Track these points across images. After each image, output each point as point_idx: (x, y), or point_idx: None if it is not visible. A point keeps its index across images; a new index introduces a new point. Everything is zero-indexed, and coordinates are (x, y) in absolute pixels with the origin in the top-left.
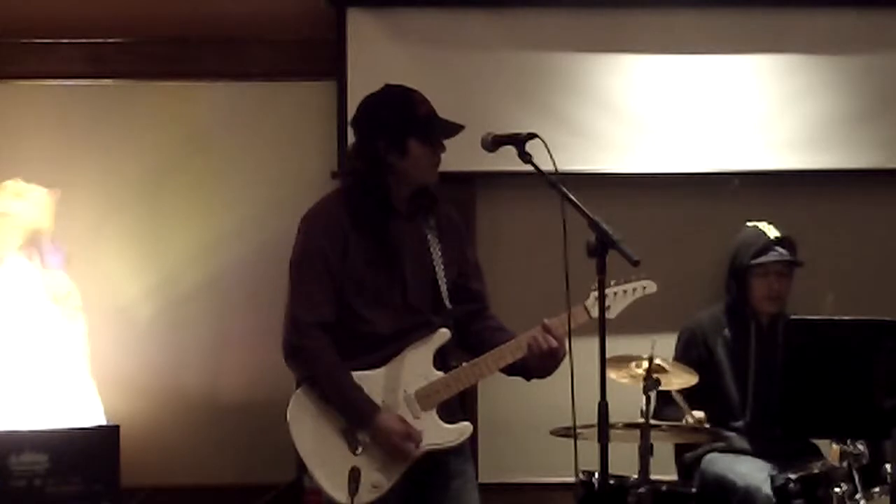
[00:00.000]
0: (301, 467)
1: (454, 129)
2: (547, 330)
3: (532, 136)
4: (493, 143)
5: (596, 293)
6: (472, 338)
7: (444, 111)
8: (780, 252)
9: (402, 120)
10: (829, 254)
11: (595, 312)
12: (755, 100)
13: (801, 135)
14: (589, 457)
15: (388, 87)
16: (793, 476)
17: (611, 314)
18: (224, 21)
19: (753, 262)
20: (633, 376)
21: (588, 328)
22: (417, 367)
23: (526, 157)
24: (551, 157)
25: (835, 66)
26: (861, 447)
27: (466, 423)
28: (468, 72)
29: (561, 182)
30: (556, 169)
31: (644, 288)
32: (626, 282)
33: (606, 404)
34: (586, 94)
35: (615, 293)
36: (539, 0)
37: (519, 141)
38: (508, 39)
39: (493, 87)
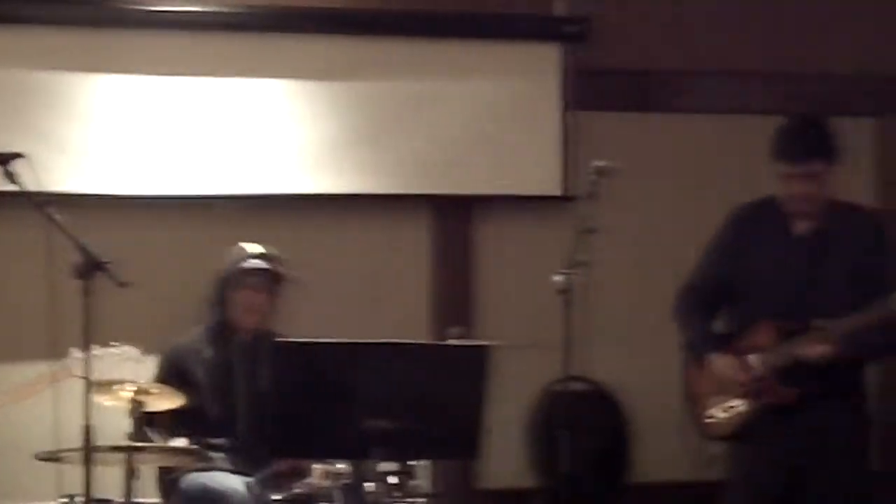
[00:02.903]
0: None
1: None
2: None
3: (17, 155)
4: None
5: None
6: None
7: None
8: (257, 263)
9: None
10: (326, 276)
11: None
12: (249, 124)
13: (295, 159)
14: (76, 480)
15: None
16: (277, 496)
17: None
18: None
19: (231, 274)
20: (119, 399)
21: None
22: None
23: (11, 176)
24: (36, 177)
25: (330, 91)
26: (343, 466)
27: None
28: None
29: (48, 203)
30: (42, 189)
31: (125, 353)
32: (110, 346)
33: (92, 427)
34: (74, 114)
35: (98, 355)
36: (26, 19)
37: (3, 160)
38: None
39: None
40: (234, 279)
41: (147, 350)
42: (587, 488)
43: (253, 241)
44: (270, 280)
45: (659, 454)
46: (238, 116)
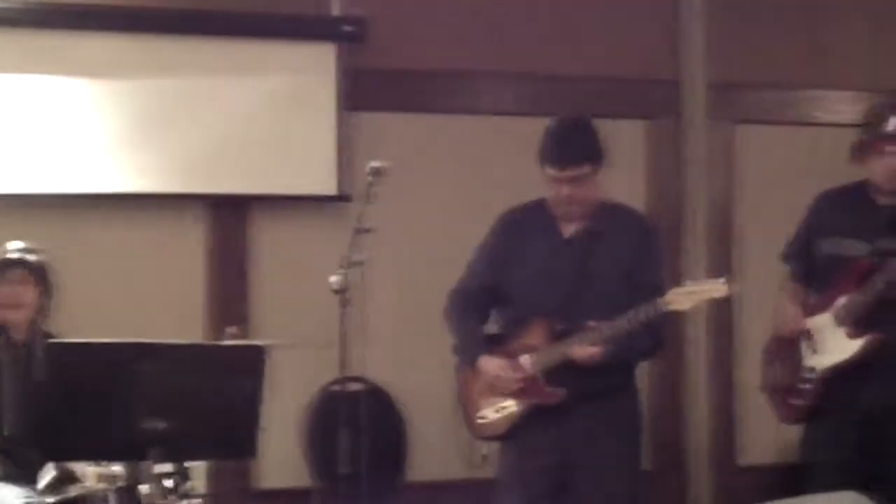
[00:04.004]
0: None
1: None
2: None
3: None
4: None
5: None
6: None
7: None
8: (10, 256)
9: None
10: (101, 276)
11: None
12: (21, 122)
13: (69, 158)
14: None
15: None
16: (50, 500)
17: None
18: None
19: None
20: None
21: None
22: None
23: None
24: None
25: (103, 89)
26: (118, 468)
27: None
28: None
29: None
30: None
31: None
32: None
33: None
34: None
35: None
36: None
37: None
38: None
39: None
40: None
41: None
42: (365, 487)
43: (22, 240)
44: (31, 275)
45: (434, 453)
46: (9, 114)
